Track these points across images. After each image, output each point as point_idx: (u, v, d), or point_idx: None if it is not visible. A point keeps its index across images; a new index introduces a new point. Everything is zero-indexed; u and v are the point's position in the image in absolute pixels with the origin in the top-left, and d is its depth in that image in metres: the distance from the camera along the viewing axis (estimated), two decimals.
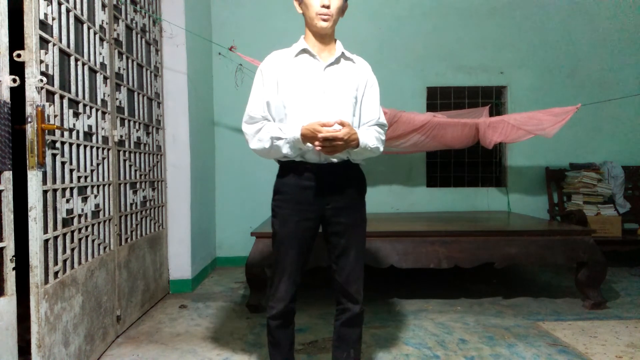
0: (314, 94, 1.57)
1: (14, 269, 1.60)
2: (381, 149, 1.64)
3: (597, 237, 3.33)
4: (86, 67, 2.18)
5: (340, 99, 1.59)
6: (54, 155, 1.87)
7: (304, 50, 1.62)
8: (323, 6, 1.54)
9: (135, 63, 2.88)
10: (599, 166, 4.25)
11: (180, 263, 3.45)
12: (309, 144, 1.49)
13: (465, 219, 3.70)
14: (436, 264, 2.92)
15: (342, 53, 1.65)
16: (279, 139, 1.53)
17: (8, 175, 1.59)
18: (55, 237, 1.86)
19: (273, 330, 1.67)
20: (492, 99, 4.60)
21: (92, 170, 2.23)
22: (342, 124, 1.47)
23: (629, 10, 4.52)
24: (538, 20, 4.49)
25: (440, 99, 4.56)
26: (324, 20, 1.56)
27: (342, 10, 1.62)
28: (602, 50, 4.51)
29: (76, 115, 2.08)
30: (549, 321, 2.71)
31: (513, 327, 2.62)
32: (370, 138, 1.58)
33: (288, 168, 1.61)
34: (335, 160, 1.59)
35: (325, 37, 1.62)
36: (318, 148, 1.45)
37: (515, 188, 4.53)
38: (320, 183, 1.59)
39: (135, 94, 2.89)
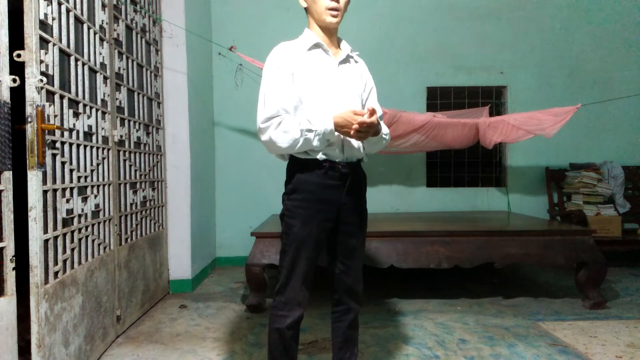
0: (330, 89, 1.55)
1: (14, 269, 1.60)
2: (387, 140, 1.69)
3: (597, 237, 3.33)
4: (86, 67, 2.19)
5: (352, 97, 1.60)
6: (54, 155, 1.87)
7: (317, 45, 1.57)
8: (333, 0, 1.50)
9: (135, 63, 2.88)
10: (599, 166, 4.25)
11: (180, 263, 3.45)
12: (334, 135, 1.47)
13: (465, 219, 3.70)
14: (436, 264, 2.92)
15: (350, 51, 1.65)
16: (310, 131, 1.44)
17: (8, 175, 1.59)
18: (55, 237, 1.86)
19: (289, 341, 1.53)
20: (492, 99, 4.60)
21: (92, 170, 2.23)
22: (372, 112, 1.44)
23: (629, 10, 4.52)
24: (538, 20, 4.49)
25: (440, 99, 4.56)
26: (333, 16, 1.52)
27: (347, 4, 1.59)
28: (602, 50, 4.51)
29: (76, 115, 2.08)
30: (549, 321, 2.71)
31: (513, 327, 2.62)
32: (383, 127, 1.63)
33: (308, 165, 1.53)
34: (354, 159, 1.60)
35: (333, 33, 1.60)
36: (353, 134, 1.44)
37: (515, 188, 4.53)
38: (344, 181, 1.56)
39: (135, 94, 2.89)
